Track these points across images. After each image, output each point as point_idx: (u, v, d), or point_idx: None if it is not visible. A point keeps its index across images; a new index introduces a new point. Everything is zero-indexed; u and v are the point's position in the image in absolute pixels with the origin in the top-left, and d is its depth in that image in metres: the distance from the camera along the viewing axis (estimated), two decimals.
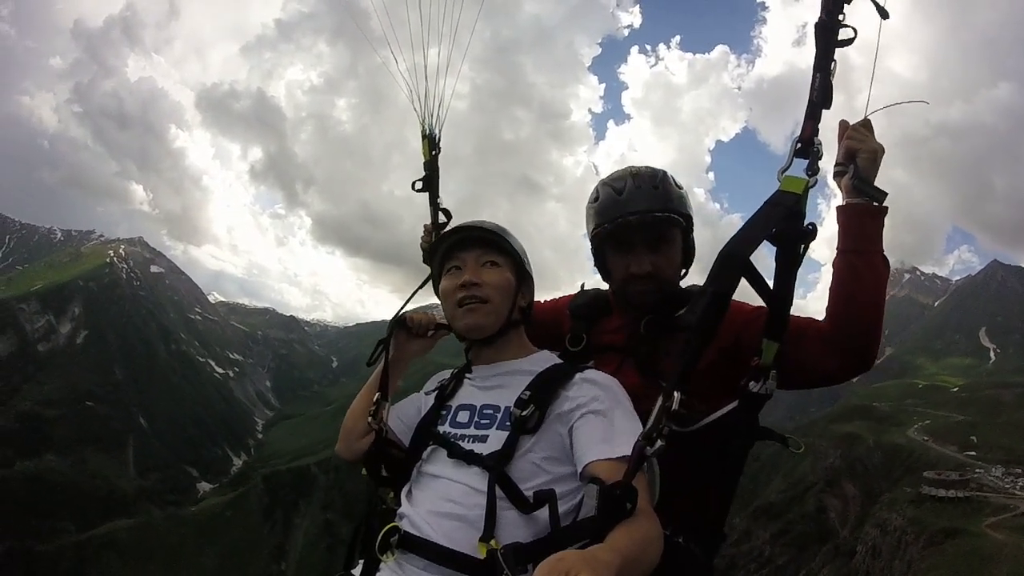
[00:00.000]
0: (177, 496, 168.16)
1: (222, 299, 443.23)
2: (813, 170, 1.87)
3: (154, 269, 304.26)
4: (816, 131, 1.89)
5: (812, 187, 1.85)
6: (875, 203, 2.01)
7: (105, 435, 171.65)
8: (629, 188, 2.41)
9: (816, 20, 1.91)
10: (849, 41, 1.89)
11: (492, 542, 1.69)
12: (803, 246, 1.84)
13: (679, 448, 1.82)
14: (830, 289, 2.07)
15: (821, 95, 1.88)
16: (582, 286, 2.79)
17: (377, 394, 2.30)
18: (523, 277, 2.26)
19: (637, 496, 1.58)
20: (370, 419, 2.25)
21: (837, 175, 2.09)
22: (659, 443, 1.63)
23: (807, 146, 1.89)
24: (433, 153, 3.02)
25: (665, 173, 2.47)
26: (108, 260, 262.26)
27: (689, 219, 2.48)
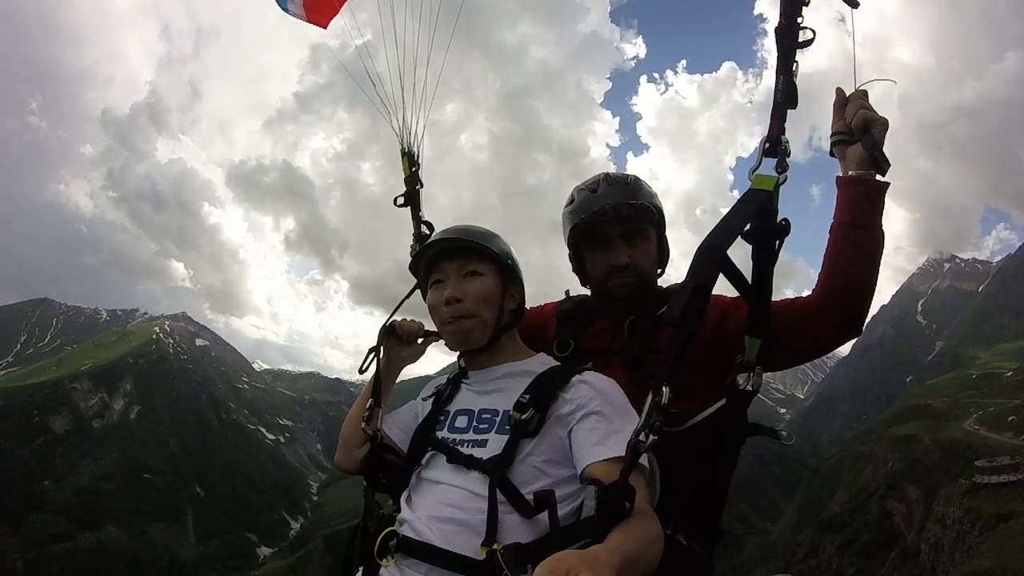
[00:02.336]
0: (238, 562, 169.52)
1: (267, 367, 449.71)
2: (782, 167, 1.90)
3: (199, 342, 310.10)
4: (783, 130, 1.92)
5: (782, 184, 1.87)
6: (880, 177, 2.03)
7: (163, 506, 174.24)
8: (603, 187, 2.49)
9: (776, 25, 1.94)
10: (808, 43, 1.92)
11: (494, 545, 1.68)
12: (778, 242, 1.87)
13: (671, 448, 1.83)
14: (828, 261, 2.07)
15: (786, 96, 1.92)
16: (567, 292, 2.82)
17: (370, 401, 2.29)
18: (510, 279, 2.23)
19: (635, 495, 1.58)
20: (364, 425, 2.25)
21: (840, 144, 2.10)
22: (651, 439, 1.60)
23: (775, 145, 1.92)
24: (413, 169, 3.12)
25: (637, 176, 2.56)
26: (154, 336, 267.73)
27: (662, 214, 2.55)
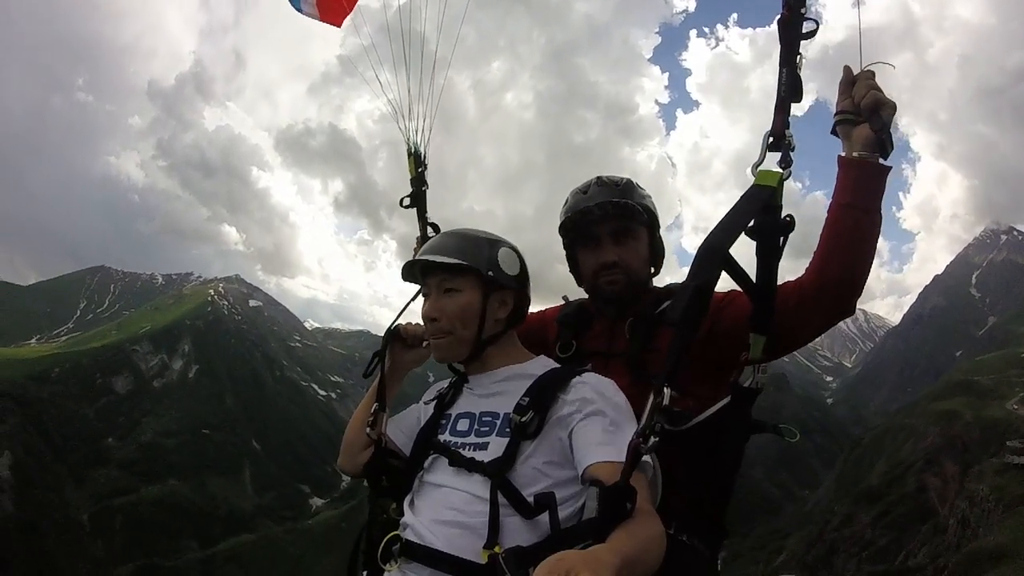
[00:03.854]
0: (292, 512, 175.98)
1: (317, 325, 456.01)
2: (786, 163, 1.88)
3: (252, 303, 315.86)
4: (787, 124, 1.89)
5: (786, 179, 1.85)
6: (882, 160, 1.99)
7: (222, 459, 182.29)
8: (593, 189, 2.50)
9: (778, 16, 1.89)
10: (812, 34, 1.88)
11: (495, 548, 1.69)
12: (782, 238, 1.83)
13: (674, 446, 1.80)
14: (825, 243, 2.04)
15: (790, 89, 1.88)
16: (565, 298, 2.82)
17: (375, 405, 2.28)
18: (496, 287, 2.17)
19: (636, 496, 1.57)
20: (368, 430, 2.24)
21: (845, 123, 2.05)
22: (653, 440, 1.58)
23: (779, 140, 1.89)
24: (419, 170, 3.12)
25: (630, 179, 2.54)
26: (209, 299, 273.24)
27: (652, 215, 2.54)
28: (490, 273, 2.13)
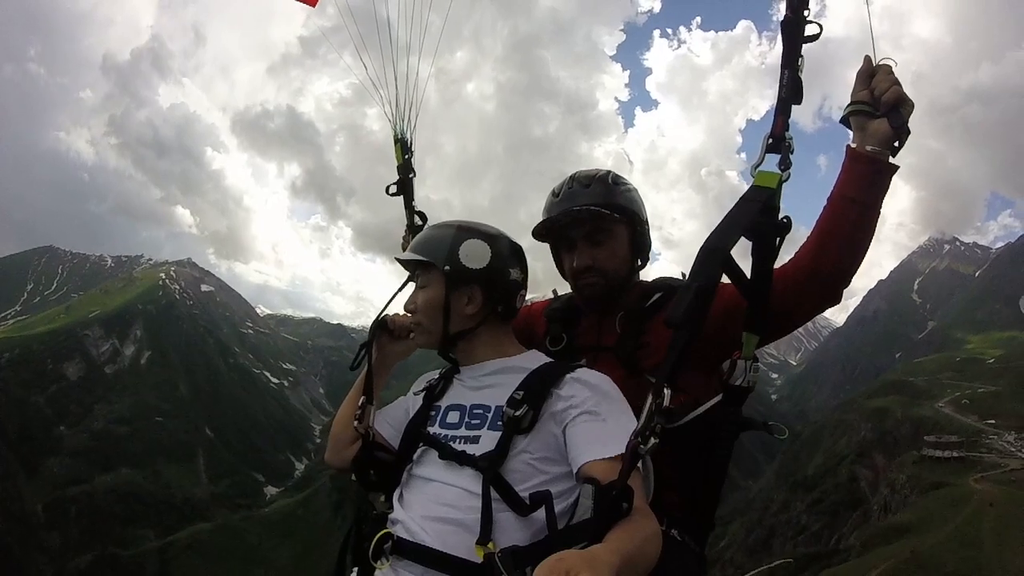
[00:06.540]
0: (247, 500, 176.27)
1: (269, 312, 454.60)
2: (786, 164, 1.85)
3: (204, 288, 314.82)
4: (787, 126, 1.86)
5: (785, 181, 1.82)
6: (892, 159, 1.94)
7: (175, 447, 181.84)
8: (564, 190, 2.40)
9: (782, 18, 1.88)
10: (815, 37, 1.85)
11: (489, 545, 1.65)
12: (779, 239, 1.82)
13: (666, 443, 1.68)
14: (823, 233, 1.99)
15: (791, 91, 1.86)
16: (554, 291, 2.73)
17: (362, 398, 2.23)
18: (461, 282, 2.08)
19: (633, 495, 1.54)
20: (356, 423, 2.19)
21: (860, 114, 1.95)
22: (652, 441, 1.54)
23: (779, 141, 1.86)
24: (406, 157, 3.06)
25: (607, 173, 2.44)
26: (160, 282, 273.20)
27: (628, 212, 2.40)
28: (447, 268, 2.07)
